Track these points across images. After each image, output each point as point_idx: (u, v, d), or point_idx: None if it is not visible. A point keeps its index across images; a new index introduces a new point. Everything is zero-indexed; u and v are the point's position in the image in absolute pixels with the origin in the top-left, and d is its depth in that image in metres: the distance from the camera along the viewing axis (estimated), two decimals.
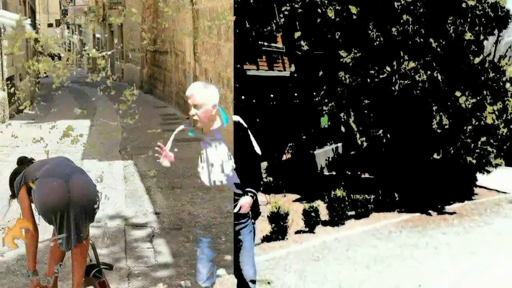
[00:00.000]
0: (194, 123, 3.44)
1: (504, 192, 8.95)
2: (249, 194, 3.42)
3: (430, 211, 7.66)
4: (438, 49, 7.41)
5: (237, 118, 3.52)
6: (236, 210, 3.42)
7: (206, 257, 3.64)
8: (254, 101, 6.84)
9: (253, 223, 3.61)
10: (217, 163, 3.44)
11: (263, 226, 6.45)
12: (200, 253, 3.66)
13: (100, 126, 10.30)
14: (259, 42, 5.67)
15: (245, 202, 3.41)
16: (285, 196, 7.90)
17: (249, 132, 3.50)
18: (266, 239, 6.37)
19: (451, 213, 7.71)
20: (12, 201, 3.92)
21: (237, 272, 3.69)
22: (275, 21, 7.00)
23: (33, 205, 3.64)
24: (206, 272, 3.63)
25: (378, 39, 7.35)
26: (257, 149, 3.53)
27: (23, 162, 3.87)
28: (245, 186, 3.43)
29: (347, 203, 7.13)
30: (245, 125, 3.49)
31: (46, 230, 3.68)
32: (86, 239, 3.67)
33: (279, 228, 6.38)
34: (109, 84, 4.89)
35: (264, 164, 5.48)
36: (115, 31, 22.12)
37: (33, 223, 3.62)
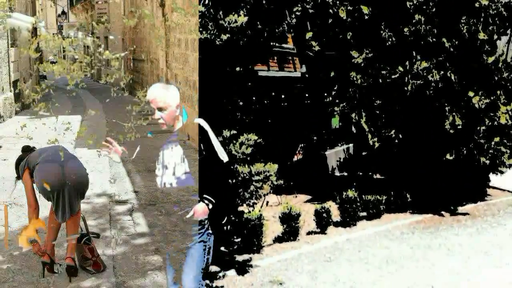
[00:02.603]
0: (160, 126, 3.32)
1: None
2: (205, 201, 3.21)
3: (442, 212, 7.60)
4: (451, 49, 7.35)
5: (198, 120, 3.37)
6: (188, 216, 3.23)
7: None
8: (265, 102, 6.83)
9: (210, 234, 3.36)
10: (171, 166, 3.35)
11: (275, 227, 6.46)
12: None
13: (89, 121, 12.85)
14: (271, 43, 5.67)
15: (199, 208, 3.20)
16: (296, 197, 7.89)
17: (211, 135, 3.30)
18: (278, 240, 6.36)
19: (464, 214, 7.64)
20: (17, 181, 4.84)
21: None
22: (286, 22, 6.99)
23: (34, 185, 4.40)
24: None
25: (390, 39, 7.31)
26: (221, 154, 3.30)
27: (27, 150, 4.63)
28: (203, 192, 3.26)
29: (358, 204, 7.09)
30: (206, 128, 3.30)
31: (45, 207, 4.49)
32: (78, 212, 4.45)
33: (290, 229, 6.37)
34: (122, 85, 4.99)
35: (275, 166, 5.47)
36: (102, 43, 24.67)
37: (34, 200, 4.44)
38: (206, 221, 3.33)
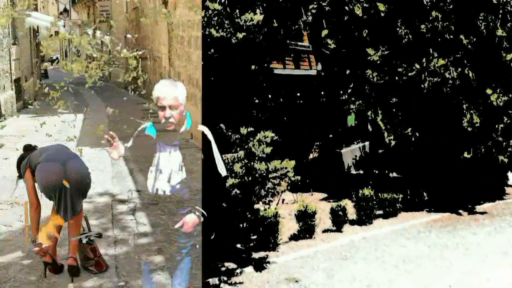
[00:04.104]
0: (167, 127, 3.08)
1: None
2: (196, 213, 3.08)
3: (460, 211, 7.53)
4: (469, 46, 7.27)
5: (202, 127, 3.17)
6: (177, 226, 3.11)
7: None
8: (281, 100, 6.84)
9: (196, 247, 3.30)
10: (166, 171, 3.14)
11: (291, 225, 6.46)
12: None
13: (90, 120, 12.90)
14: (287, 41, 5.68)
15: (189, 220, 3.07)
16: (312, 195, 7.88)
17: (214, 147, 3.14)
18: (294, 237, 6.37)
19: (481, 213, 7.56)
20: (19, 181, 4.78)
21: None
22: (302, 20, 6.99)
23: (36, 185, 4.36)
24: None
25: (407, 36, 7.25)
26: (221, 168, 3.16)
27: (28, 148, 4.59)
28: (206, 194, 3.22)
29: (375, 202, 7.06)
30: (210, 138, 3.13)
31: (46, 207, 4.45)
32: (80, 212, 4.39)
33: (306, 226, 6.37)
34: (140, 84, 5.05)
35: (292, 163, 5.47)
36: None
37: (36, 199, 4.38)
38: (194, 232, 3.18)
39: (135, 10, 20.08)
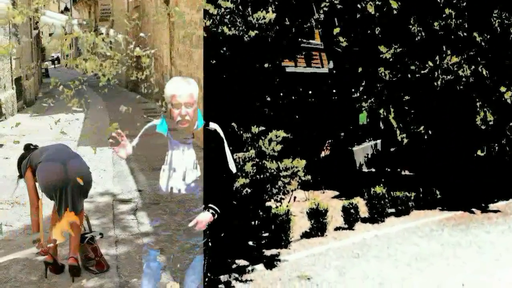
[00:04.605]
0: (180, 125, 3.00)
1: None
2: (210, 210, 3.05)
3: (473, 209, 7.47)
4: (483, 43, 7.21)
5: (214, 126, 3.14)
6: (191, 225, 3.08)
7: (151, 271, 3.36)
8: (293, 98, 6.85)
9: (208, 244, 3.25)
10: (180, 169, 3.07)
11: (302, 223, 6.47)
12: (146, 267, 3.40)
13: (91, 119, 12.88)
14: (299, 39, 5.69)
15: (203, 218, 3.04)
16: (323, 192, 7.88)
17: (226, 145, 3.12)
18: (305, 235, 6.38)
19: (495, 211, 7.50)
20: (19, 180, 4.73)
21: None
22: (314, 18, 6.98)
23: (37, 184, 4.31)
24: None
25: (420, 34, 7.21)
26: (232, 166, 3.14)
27: (29, 148, 4.55)
28: (208, 202, 3.08)
29: (387, 200, 7.04)
30: (222, 136, 3.11)
31: (47, 206, 4.39)
32: (81, 212, 4.35)
33: (318, 224, 6.37)
34: (152, 82, 5.08)
35: (303, 163, 5.47)
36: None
37: (36, 198, 4.32)
38: (206, 232, 3.16)
39: (136, 9, 20.07)
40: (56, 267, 4.44)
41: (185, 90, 2.99)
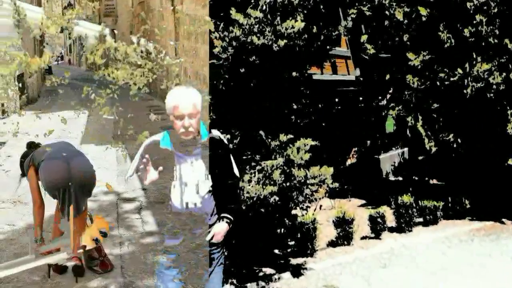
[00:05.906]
0: (184, 137, 2.91)
1: None
2: (225, 220, 2.96)
3: (504, 220, 7.31)
4: None
5: (216, 133, 3.06)
6: (208, 238, 2.98)
7: None
8: (319, 105, 6.83)
9: (224, 254, 3.17)
10: (192, 183, 2.96)
11: (328, 231, 6.44)
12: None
13: (95, 116, 12.33)
14: (327, 47, 5.69)
15: (220, 229, 2.96)
16: (350, 201, 7.82)
17: (230, 151, 3.08)
18: (331, 244, 6.34)
19: None
20: (22, 179, 4.78)
21: None
22: (342, 25, 6.96)
23: (39, 182, 4.24)
24: None
25: (449, 41, 7.11)
26: (236, 171, 3.09)
27: (32, 146, 4.52)
28: (221, 211, 2.99)
29: (414, 209, 6.94)
30: (226, 142, 3.07)
31: (51, 204, 4.32)
32: (84, 211, 4.24)
33: (344, 233, 6.32)
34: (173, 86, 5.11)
35: (330, 170, 5.43)
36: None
37: (39, 197, 4.25)
38: (222, 241, 3.07)
39: (140, 5, 19.92)
40: (59, 267, 4.37)
41: (188, 101, 2.89)
